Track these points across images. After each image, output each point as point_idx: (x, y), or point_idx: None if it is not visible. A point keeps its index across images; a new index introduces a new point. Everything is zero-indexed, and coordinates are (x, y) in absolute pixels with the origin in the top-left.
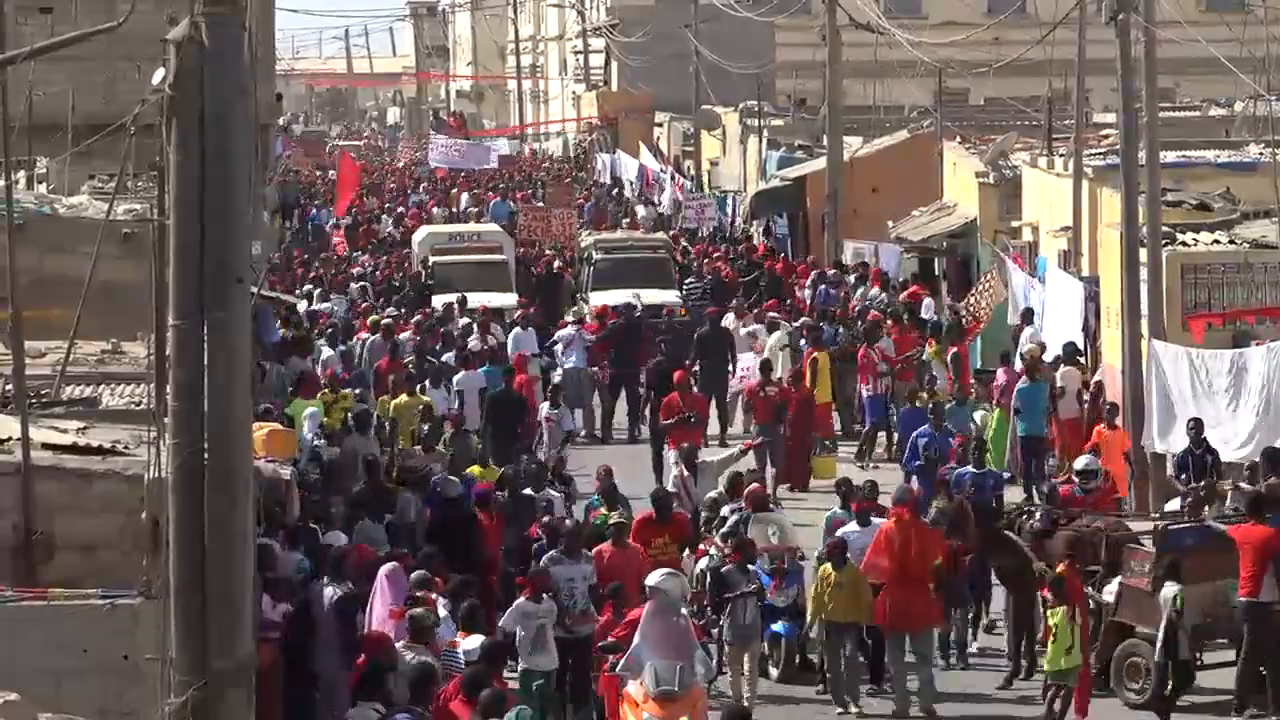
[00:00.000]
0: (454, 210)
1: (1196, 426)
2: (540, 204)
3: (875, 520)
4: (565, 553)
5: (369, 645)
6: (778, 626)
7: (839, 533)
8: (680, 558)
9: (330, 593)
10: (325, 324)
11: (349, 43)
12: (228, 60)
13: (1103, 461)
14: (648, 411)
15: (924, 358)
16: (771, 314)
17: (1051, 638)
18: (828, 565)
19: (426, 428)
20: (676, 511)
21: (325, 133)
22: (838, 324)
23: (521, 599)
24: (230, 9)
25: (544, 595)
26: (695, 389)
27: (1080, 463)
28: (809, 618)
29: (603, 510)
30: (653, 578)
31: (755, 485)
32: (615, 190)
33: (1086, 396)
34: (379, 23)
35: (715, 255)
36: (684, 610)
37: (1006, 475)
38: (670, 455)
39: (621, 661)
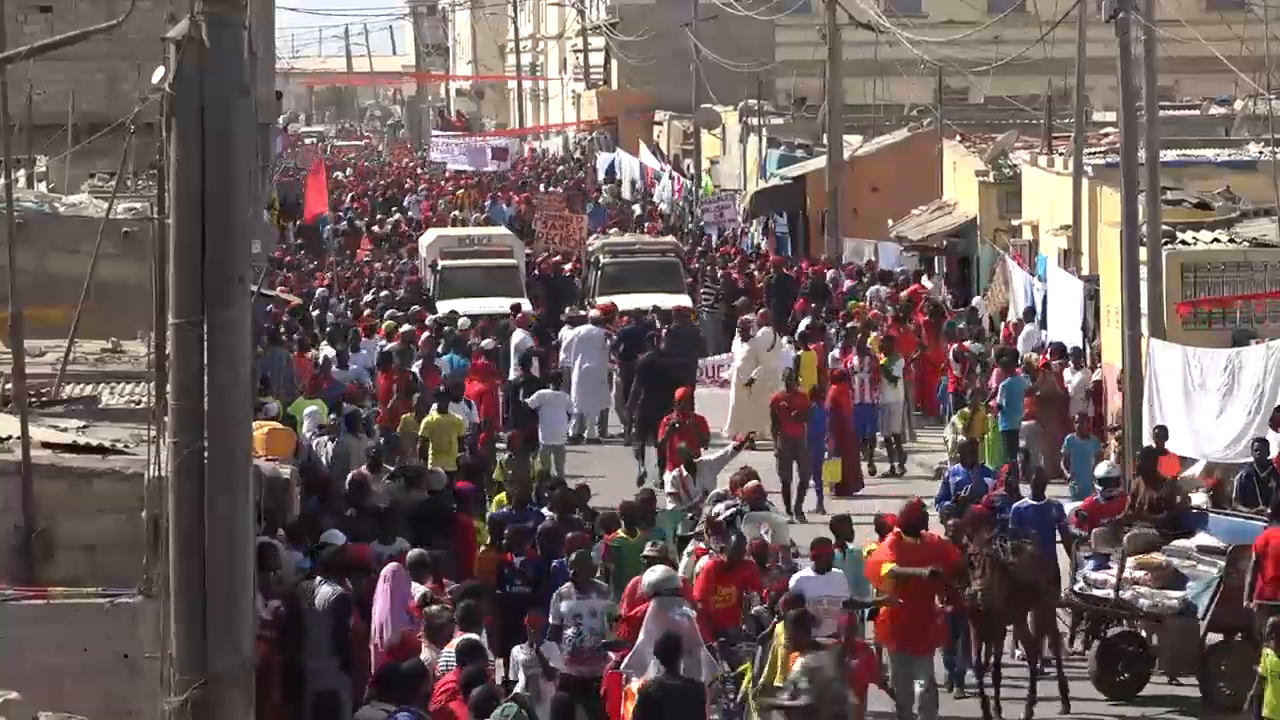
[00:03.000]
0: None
1: (1262, 447)
2: (556, 212)
3: (835, 570)
4: (575, 585)
5: (396, 649)
6: None
7: (794, 580)
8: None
9: (327, 591)
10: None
11: (349, 41)
12: (228, 59)
13: None
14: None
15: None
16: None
17: (1268, 683)
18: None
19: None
20: (746, 560)
21: (322, 134)
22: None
23: (516, 648)
24: (230, 8)
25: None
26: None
27: (1101, 469)
28: (747, 685)
29: (620, 533)
30: (647, 577)
31: (752, 483)
32: (612, 187)
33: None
34: (379, 21)
35: (737, 258)
36: (686, 607)
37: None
38: (668, 476)
39: (626, 659)
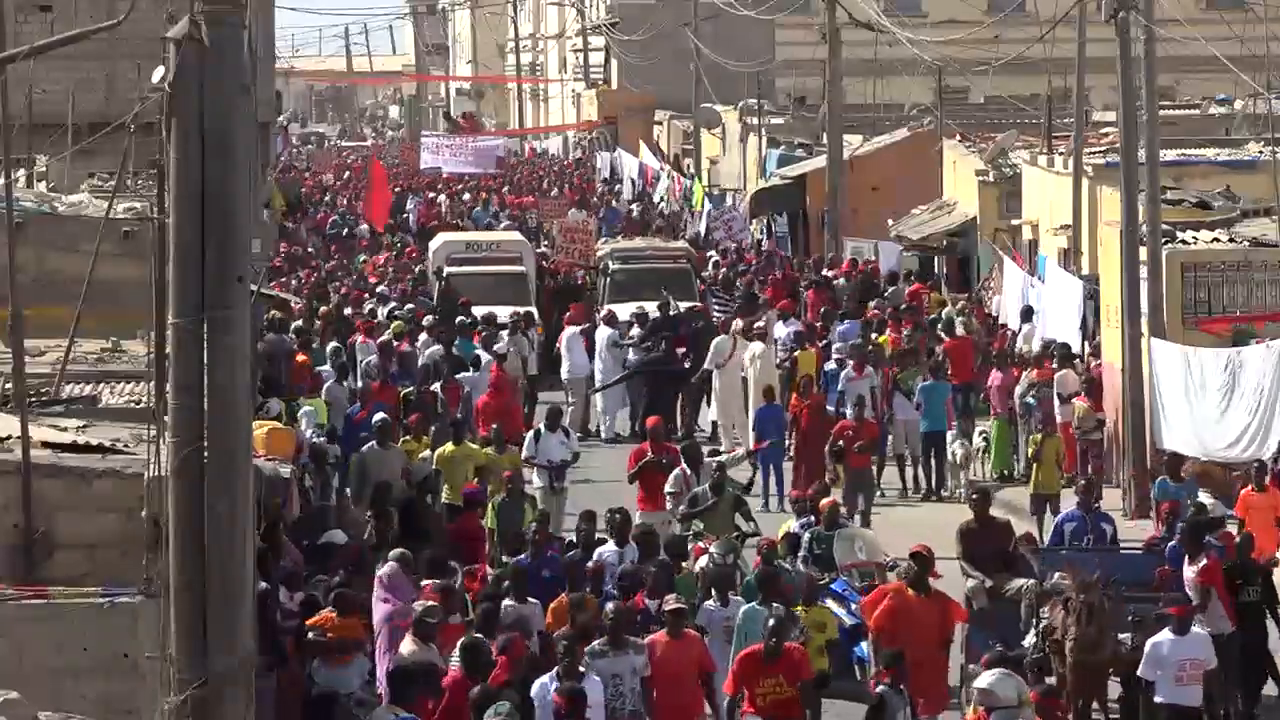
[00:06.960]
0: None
1: None
2: (562, 215)
3: (1197, 629)
4: (610, 643)
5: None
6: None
7: (1150, 645)
8: (795, 694)
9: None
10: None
11: (349, 41)
12: (228, 59)
13: (1253, 528)
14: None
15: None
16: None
17: None
18: None
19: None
20: (790, 645)
21: (322, 134)
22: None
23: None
24: (230, 7)
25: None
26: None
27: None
28: None
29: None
30: (983, 680)
31: (829, 499)
32: (616, 188)
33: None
34: (379, 21)
35: (754, 265)
36: (1028, 715)
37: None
38: (671, 475)
39: None
